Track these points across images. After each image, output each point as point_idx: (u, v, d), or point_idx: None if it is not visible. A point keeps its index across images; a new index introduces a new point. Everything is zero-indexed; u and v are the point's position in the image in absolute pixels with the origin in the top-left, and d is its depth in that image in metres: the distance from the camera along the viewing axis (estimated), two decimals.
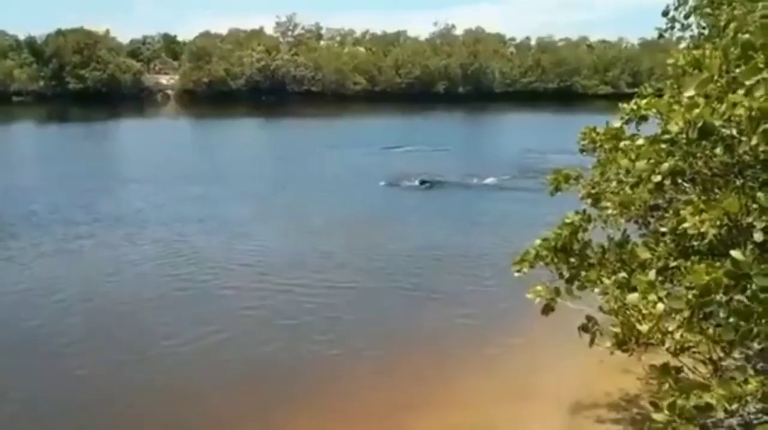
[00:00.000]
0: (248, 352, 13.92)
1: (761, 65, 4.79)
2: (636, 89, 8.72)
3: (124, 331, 15.01)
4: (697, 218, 5.00)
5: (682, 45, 10.61)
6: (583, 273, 6.80)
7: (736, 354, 5.62)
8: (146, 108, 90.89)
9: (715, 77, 5.04)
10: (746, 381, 4.49)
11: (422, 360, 13.58)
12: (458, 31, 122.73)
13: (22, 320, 15.35)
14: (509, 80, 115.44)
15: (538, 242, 7.21)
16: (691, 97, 5.04)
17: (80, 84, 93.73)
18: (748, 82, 4.75)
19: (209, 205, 27.69)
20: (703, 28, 10.15)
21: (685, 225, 5.10)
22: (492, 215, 27.22)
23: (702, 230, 4.96)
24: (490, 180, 34.04)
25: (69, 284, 17.78)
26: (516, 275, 7.32)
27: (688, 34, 10.90)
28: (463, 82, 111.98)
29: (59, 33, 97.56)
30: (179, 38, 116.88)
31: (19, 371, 12.96)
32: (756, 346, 5.17)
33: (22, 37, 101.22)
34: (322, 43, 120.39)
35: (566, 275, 6.89)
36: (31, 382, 12.54)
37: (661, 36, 11.42)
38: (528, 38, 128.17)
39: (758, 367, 5.48)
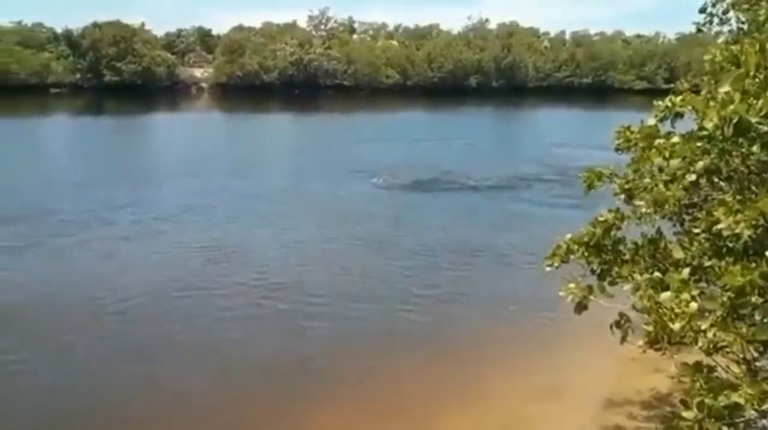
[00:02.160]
0: (278, 350, 14.04)
1: None
2: (673, 85, 8.61)
3: (157, 322, 15.26)
4: (731, 218, 4.93)
5: (721, 40, 10.46)
6: (615, 269, 6.76)
7: None
8: (180, 101, 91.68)
9: (752, 73, 4.97)
10: None
11: (452, 359, 13.58)
12: (492, 25, 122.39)
13: (61, 317, 15.53)
14: (543, 75, 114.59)
15: (568, 236, 7.17)
16: (726, 93, 4.98)
17: (116, 76, 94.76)
18: None
19: (242, 201, 28.03)
20: (743, 23, 10.00)
21: (720, 226, 5.03)
22: (516, 212, 27.16)
23: (737, 230, 4.90)
24: (512, 177, 33.67)
25: (108, 280, 18.03)
26: (547, 269, 7.28)
27: (726, 28, 10.75)
28: (496, 76, 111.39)
29: (95, 26, 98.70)
30: (213, 32, 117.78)
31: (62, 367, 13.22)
32: None
33: (59, 29, 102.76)
34: (354, 36, 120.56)
35: (597, 270, 6.85)
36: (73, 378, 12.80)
37: (699, 30, 11.27)
38: (562, 32, 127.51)
39: None
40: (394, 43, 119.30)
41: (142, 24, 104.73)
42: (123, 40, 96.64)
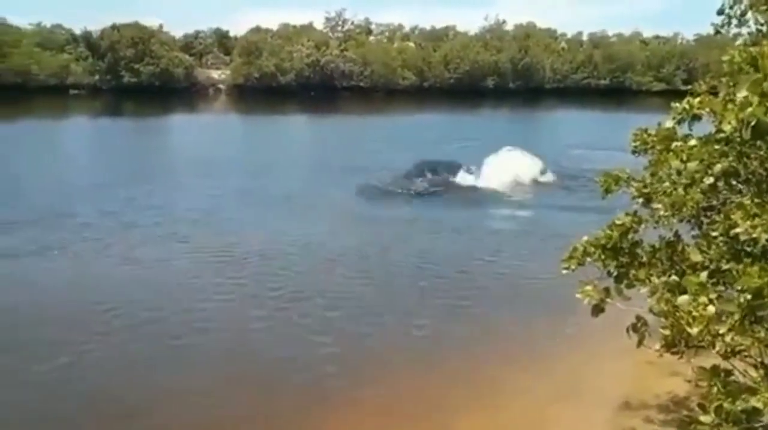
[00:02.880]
0: (287, 352, 14.11)
1: None
2: (691, 86, 8.57)
3: (170, 330, 15.39)
4: (748, 223, 4.91)
5: (739, 42, 10.38)
6: (632, 272, 6.74)
7: None
8: (198, 102, 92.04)
9: None
10: None
11: (469, 360, 13.57)
12: (508, 26, 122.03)
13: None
14: (560, 76, 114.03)
15: (585, 238, 7.16)
16: (745, 97, 4.96)
17: (134, 78, 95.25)
18: None
19: (257, 205, 28.33)
20: (761, 24, 9.92)
21: (737, 230, 5.02)
22: (530, 212, 27.21)
23: (754, 235, 4.88)
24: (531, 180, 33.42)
25: (126, 285, 18.24)
26: (564, 272, 7.27)
27: (745, 30, 10.66)
28: (513, 78, 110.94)
29: (114, 27, 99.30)
30: (231, 33, 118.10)
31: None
32: None
33: (78, 31, 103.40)
34: (371, 38, 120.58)
35: (614, 273, 6.83)
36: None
37: (717, 32, 11.18)
38: (580, 33, 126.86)
39: None
40: (411, 44, 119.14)
41: (160, 26, 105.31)
42: (141, 41, 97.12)
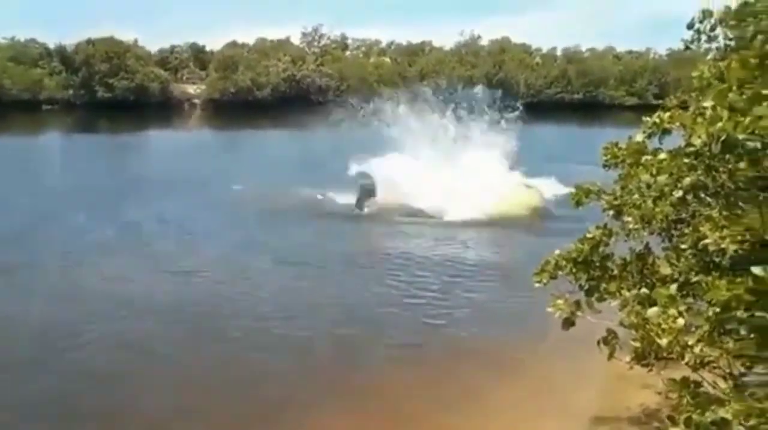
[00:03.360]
0: (280, 356, 14.16)
1: None
2: (662, 101, 8.68)
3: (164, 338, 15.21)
4: (717, 234, 4.96)
5: (710, 56, 10.52)
6: (603, 285, 6.78)
7: (760, 369, 5.55)
8: (173, 117, 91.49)
9: (734, 88, 5.00)
10: (767, 397, 4.44)
11: (438, 374, 13.50)
12: (484, 42, 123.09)
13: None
14: (534, 91, 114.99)
15: (557, 252, 7.20)
16: (714, 109, 5.02)
17: (109, 93, 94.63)
18: (765, 92, 4.73)
19: (230, 222, 28.40)
20: (730, 39, 10.05)
21: (706, 241, 5.07)
22: (510, 228, 27.20)
23: (723, 246, 4.92)
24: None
25: (97, 308, 18.05)
26: (536, 285, 7.31)
27: (715, 45, 10.80)
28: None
29: (89, 42, 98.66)
30: (207, 48, 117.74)
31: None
32: None
33: (52, 45, 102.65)
34: (347, 53, 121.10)
35: (585, 286, 6.88)
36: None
37: (687, 48, 11.32)
38: (554, 48, 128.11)
39: None
40: (387, 59, 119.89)
41: (135, 40, 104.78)
42: (116, 56, 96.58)
